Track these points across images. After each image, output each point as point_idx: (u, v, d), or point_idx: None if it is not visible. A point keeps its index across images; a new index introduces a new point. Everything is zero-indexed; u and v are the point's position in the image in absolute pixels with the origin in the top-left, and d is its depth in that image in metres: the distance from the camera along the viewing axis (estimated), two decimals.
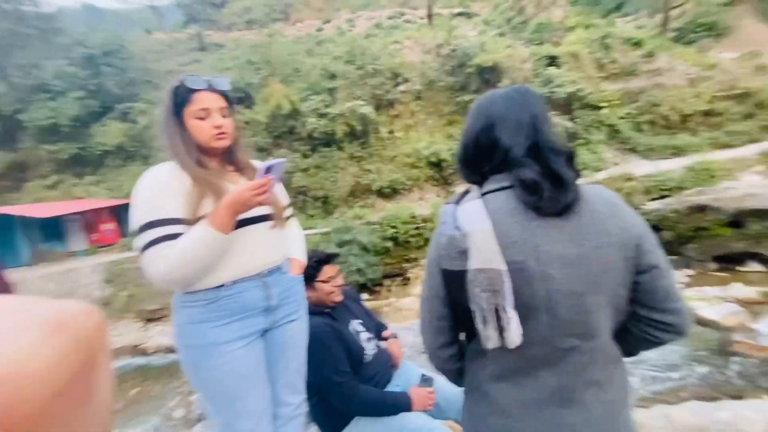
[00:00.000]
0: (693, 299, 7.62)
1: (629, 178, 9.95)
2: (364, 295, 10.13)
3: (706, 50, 19.11)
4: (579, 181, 0.91)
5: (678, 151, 10.83)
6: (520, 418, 0.93)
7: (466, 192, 0.99)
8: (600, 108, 11.80)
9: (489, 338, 0.88)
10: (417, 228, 10.30)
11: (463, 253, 0.88)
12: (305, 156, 13.73)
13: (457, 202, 0.97)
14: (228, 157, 1.39)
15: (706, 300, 7.46)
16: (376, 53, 14.89)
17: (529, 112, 0.95)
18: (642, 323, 0.94)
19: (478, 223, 0.88)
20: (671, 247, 9.50)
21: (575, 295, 0.85)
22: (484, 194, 0.95)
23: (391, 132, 14.06)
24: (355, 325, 1.85)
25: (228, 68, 16.76)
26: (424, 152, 12.83)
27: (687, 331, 0.94)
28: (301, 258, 1.52)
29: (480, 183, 0.99)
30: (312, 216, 12.60)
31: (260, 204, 1.20)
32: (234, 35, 25.36)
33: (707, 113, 11.35)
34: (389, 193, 12.78)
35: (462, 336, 1.08)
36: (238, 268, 1.26)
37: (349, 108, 13.24)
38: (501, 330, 0.87)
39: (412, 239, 10.31)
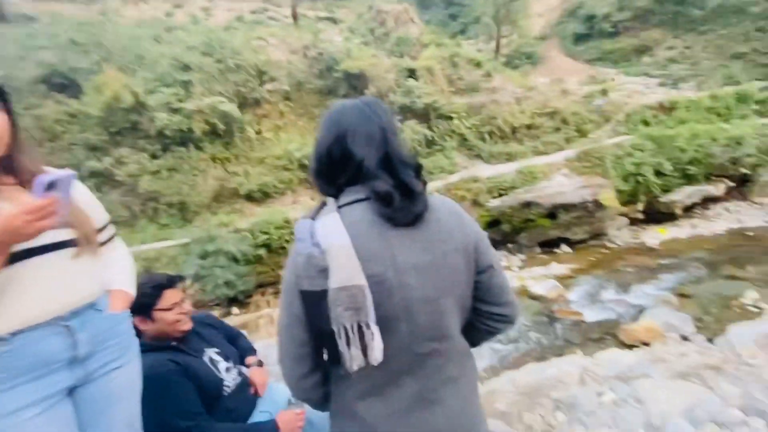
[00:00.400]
0: (526, 279, 9.25)
1: (476, 180, 11.53)
2: (235, 309, 9.34)
3: (527, 75, 23.54)
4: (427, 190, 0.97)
5: (510, 157, 13.09)
6: (388, 430, 0.92)
7: (323, 205, 0.96)
8: (452, 119, 13.41)
9: (354, 359, 0.85)
10: (292, 233, 9.96)
11: (323, 272, 0.84)
12: (154, 156, 11.93)
13: (314, 216, 0.93)
14: (5, 165, 1.05)
15: (535, 278, 9.12)
16: (237, 47, 13.88)
17: (378, 123, 0.96)
18: (483, 317, 1.05)
19: (337, 238, 0.85)
20: (509, 237, 11.39)
21: (430, 300, 0.90)
22: (340, 207, 0.92)
23: (259, 132, 13.30)
24: (211, 354, 1.63)
25: (43, 47, 13.45)
26: (296, 154, 12.51)
27: (517, 319, 1.12)
28: (127, 288, 1.25)
29: (336, 195, 0.97)
30: (166, 225, 11.03)
31: (42, 230, 0.93)
32: (50, 7, 20.49)
33: (529, 126, 14.03)
34: (259, 197, 12.07)
35: (325, 357, 1.02)
36: (23, 314, 0.96)
37: (208, 104, 12.02)
38: (365, 348, 0.84)
39: (287, 245, 9.92)
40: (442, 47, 16.72)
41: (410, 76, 13.92)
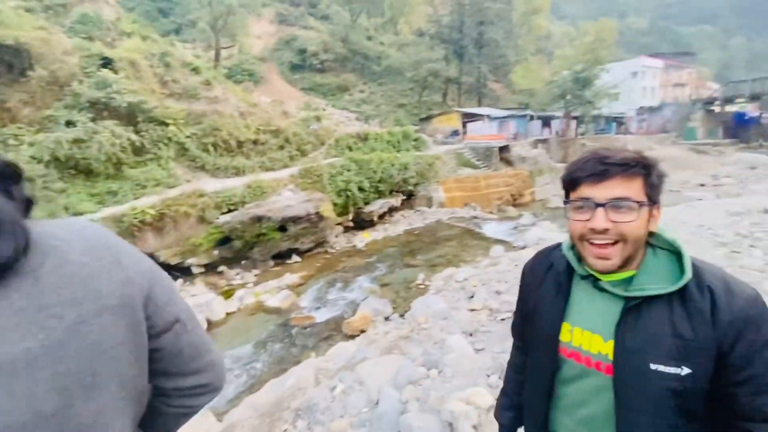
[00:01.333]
0: (261, 293, 9.20)
1: (201, 194, 10.56)
2: None
3: (249, 91, 23.90)
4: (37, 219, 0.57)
5: (238, 171, 12.81)
6: None
7: None
8: (167, 125, 11.76)
9: None
10: None
11: None
12: None
13: None
14: None
15: (269, 292, 9.20)
16: None
17: None
18: (173, 397, 0.73)
19: None
20: (242, 253, 11.06)
21: (46, 419, 0.50)
22: None
23: None
24: None
25: None
26: None
27: (223, 383, 0.79)
28: None
29: None
30: None
31: None
32: None
33: (255, 142, 14.23)
34: None
35: None
36: None
37: None
38: None
39: None
40: (150, 42, 14.49)
41: (105, 66, 11.20)
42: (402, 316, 7.33)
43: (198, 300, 8.21)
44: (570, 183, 0.83)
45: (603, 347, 0.79)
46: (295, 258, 11.62)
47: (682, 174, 25.38)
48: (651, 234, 0.81)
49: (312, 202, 11.89)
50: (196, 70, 14.69)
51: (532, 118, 29.54)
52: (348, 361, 5.52)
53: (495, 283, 7.17)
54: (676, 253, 0.79)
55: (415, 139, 20.59)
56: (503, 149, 23.06)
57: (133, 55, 12.17)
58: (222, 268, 10.67)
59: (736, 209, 11.62)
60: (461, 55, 35.88)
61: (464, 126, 27.61)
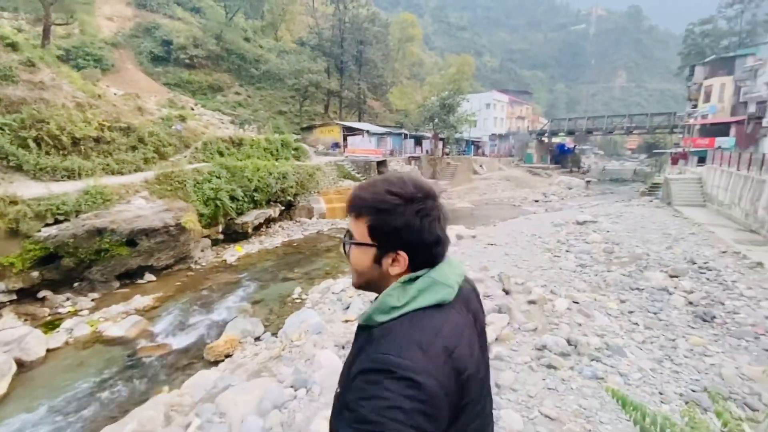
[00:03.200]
0: (100, 322, 7.65)
1: (14, 201, 8.32)
2: None
3: (94, 80, 20.09)
4: None
5: (72, 174, 10.47)
6: None
7: None
8: None
9: None
10: None
11: None
12: None
13: None
14: None
15: (111, 319, 7.73)
16: None
17: None
18: None
19: None
20: (74, 273, 9.05)
21: None
22: None
23: None
24: None
25: None
26: None
27: None
28: None
29: None
30: None
31: None
32: None
33: (97, 140, 11.87)
34: None
35: None
36: None
37: None
38: None
39: None
40: None
41: None
42: (274, 334, 6.93)
43: (2, 337, 6.38)
44: None
45: None
46: (149, 277, 10.04)
47: (522, 192, 30.51)
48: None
49: (171, 211, 10.49)
50: (13, 46, 11.71)
51: (406, 136, 31.89)
52: (208, 392, 4.94)
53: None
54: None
55: (296, 148, 20.15)
56: (381, 164, 24.26)
57: None
58: (45, 293, 8.54)
59: (558, 221, 14.43)
60: (342, 70, 36.78)
61: (345, 139, 28.22)
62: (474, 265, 8.38)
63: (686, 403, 3.55)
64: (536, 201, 26.31)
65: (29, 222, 8.38)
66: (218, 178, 13.15)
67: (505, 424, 3.23)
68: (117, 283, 9.53)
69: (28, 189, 9.11)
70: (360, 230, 0.88)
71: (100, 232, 8.99)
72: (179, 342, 7.04)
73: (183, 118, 16.43)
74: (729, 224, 12.23)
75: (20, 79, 11.11)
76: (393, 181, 0.88)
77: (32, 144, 10.29)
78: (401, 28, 45.49)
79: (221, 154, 15.54)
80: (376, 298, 0.89)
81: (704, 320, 5.55)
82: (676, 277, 7.26)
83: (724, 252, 8.86)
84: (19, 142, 10.13)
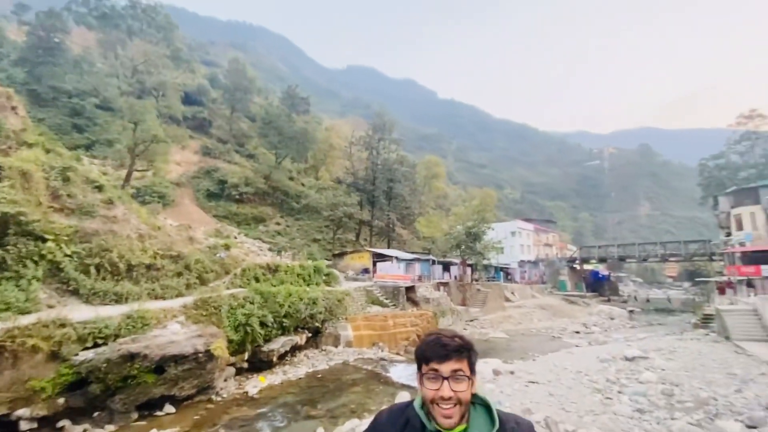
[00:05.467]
0: None
1: (63, 324, 8.80)
2: None
3: (155, 213, 22.83)
4: None
5: (120, 298, 11.18)
6: None
7: None
8: (45, 240, 10.32)
9: None
10: None
11: None
12: None
13: None
14: None
15: None
16: None
17: None
18: None
19: None
20: (98, 401, 8.85)
21: None
22: None
23: None
24: None
25: None
26: None
27: None
28: None
29: None
30: None
31: None
32: None
33: (149, 267, 12.95)
34: None
35: None
36: None
37: None
38: None
39: None
40: (53, 155, 13.74)
41: None
42: None
43: None
44: (423, 359, 1.13)
45: None
46: (168, 408, 9.61)
47: (560, 321, 28.73)
48: (473, 396, 1.13)
49: (203, 337, 10.59)
50: (99, 188, 13.93)
51: (434, 262, 32.39)
52: None
53: None
54: (488, 407, 1.12)
55: (327, 274, 20.76)
56: (409, 289, 24.20)
57: (28, 166, 11.29)
58: (64, 422, 8.29)
59: (604, 356, 13.25)
60: (373, 203, 40.07)
61: (374, 265, 28.96)
62: (515, 407, 7.60)
63: None
64: (577, 332, 24.54)
65: (71, 345, 8.69)
66: (251, 303, 13.50)
67: None
68: (135, 414, 9.15)
69: (78, 312, 9.69)
70: (465, 366, 1.10)
71: (132, 357, 9.09)
72: None
73: (228, 247, 17.82)
74: None
75: (98, 214, 12.88)
76: (453, 330, 1.17)
77: (93, 270, 11.33)
78: (427, 167, 50.72)
79: (257, 279, 16.25)
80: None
81: None
82: (755, 428, 6.25)
83: None
84: (82, 268, 11.21)
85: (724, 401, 7.62)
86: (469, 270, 32.51)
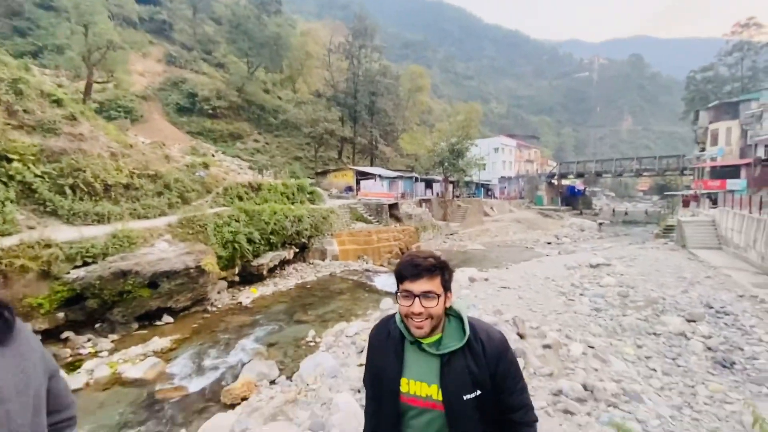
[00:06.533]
0: (119, 363, 7.81)
1: (48, 245, 8.82)
2: None
3: (124, 129, 21.54)
4: None
5: (102, 219, 11.09)
6: None
7: None
8: (10, 160, 9.78)
9: None
10: None
11: None
12: None
13: None
14: None
15: (130, 360, 7.89)
16: None
17: None
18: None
19: None
20: (97, 315, 9.34)
21: None
22: None
23: None
24: None
25: None
26: None
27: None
28: None
29: None
30: None
31: None
32: None
33: (127, 186, 12.63)
34: None
35: None
36: None
37: None
38: None
39: None
40: (0, 66, 12.31)
41: None
42: (289, 378, 6.98)
43: None
44: (398, 278, 1.22)
45: (430, 390, 1.15)
46: (167, 318, 10.25)
47: (534, 234, 30.46)
48: (448, 308, 1.23)
49: (192, 254, 10.89)
50: (57, 102, 12.84)
51: (417, 179, 32.68)
52: None
53: None
54: (461, 318, 1.23)
55: (311, 192, 20.84)
56: (393, 206, 24.77)
57: None
58: (67, 333, 8.79)
59: (571, 264, 14.39)
60: (355, 119, 38.63)
61: (358, 183, 29.07)
62: (488, 309, 8.41)
63: None
64: (549, 243, 26.22)
65: (60, 264, 8.83)
66: (237, 221, 13.66)
67: None
68: (136, 325, 9.75)
69: (61, 233, 9.66)
70: (436, 285, 1.16)
71: (124, 274, 9.38)
72: (196, 384, 7.12)
73: (206, 165, 17.35)
74: (745, 267, 12.07)
75: (62, 131, 12.09)
76: (429, 251, 1.24)
77: (68, 191, 11.02)
78: (411, 79, 48.04)
79: (240, 198, 16.22)
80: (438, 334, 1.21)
81: (724, 366, 5.48)
82: (694, 321, 7.19)
83: (741, 296, 8.75)
84: (56, 189, 10.87)
85: (671, 300, 8.62)
86: (450, 187, 33.07)
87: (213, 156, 26.91)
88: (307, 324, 10.13)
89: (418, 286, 1.14)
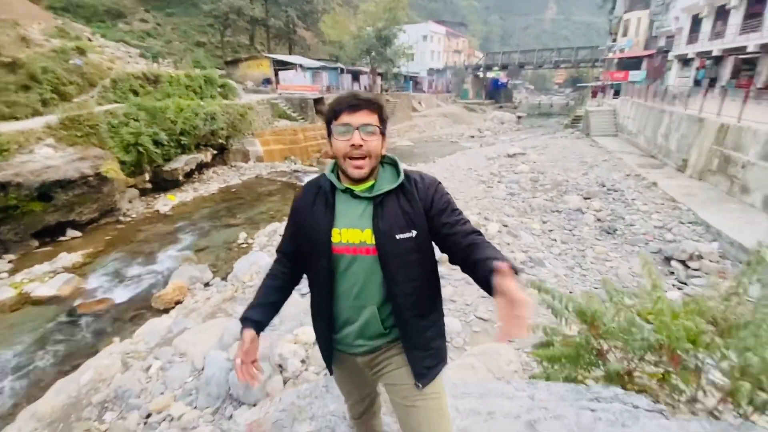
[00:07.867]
0: (25, 283, 7.09)
1: None
2: None
3: None
4: None
5: None
6: None
7: None
8: None
9: None
10: None
11: None
12: None
13: None
14: None
15: (38, 279, 7.20)
16: None
17: None
18: None
19: None
20: None
21: None
22: None
23: None
24: None
25: None
26: None
27: None
28: None
29: None
30: None
31: None
32: None
33: None
34: None
35: None
36: None
37: None
38: None
39: None
40: None
41: None
42: (224, 279, 6.96)
43: None
44: (333, 114, 1.10)
45: (362, 236, 1.10)
46: (73, 233, 9.24)
47: (459, 128, 31.30)
48: (382, 156, 1.16)
49: (87, 160, 9.44)
50: None
51: (342, 71, 30.37)
52: (163, 338, 4.99)
53: None
54: (395, 164, 1.18)
55: (222, 86, 18.44)
56: (318, 101, 23.17)
57: None
58: None
59: (491, 155, 15.30)
60: None
61: (276, 74, 26.24)
62: None
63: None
64: (472, 137, 27.27)
65: None
66: (136, 120, 11.82)
67: (447, 328, 3.76)
68: (35, 242, 8.68)
69: None
70: (375, 119, 1.08)
71: (3, 186, 7.94)
72: (121, 295, 6.81)
73: (82, 51, 14.08)
74: (635, 151, 13.86)
75: None
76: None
77: None
78: None
79: (136, 93, 13.84)
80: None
81: (608, 233, 6.55)
82: (589, 198, 8.30)
83: (628, 175, 10.17)
84: None
85: (574, 182, 9.76)
86: (379, 79, 31.47)
87: (90, 40, 21.84)
88: (237, 227, 9.86)
89: (357, 118, 1.06)
